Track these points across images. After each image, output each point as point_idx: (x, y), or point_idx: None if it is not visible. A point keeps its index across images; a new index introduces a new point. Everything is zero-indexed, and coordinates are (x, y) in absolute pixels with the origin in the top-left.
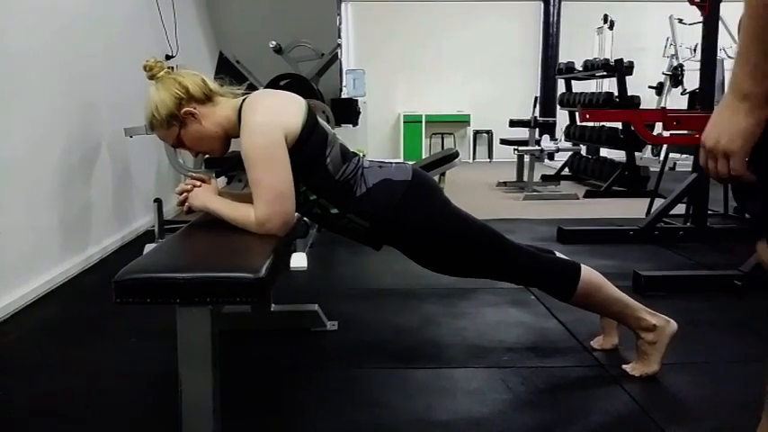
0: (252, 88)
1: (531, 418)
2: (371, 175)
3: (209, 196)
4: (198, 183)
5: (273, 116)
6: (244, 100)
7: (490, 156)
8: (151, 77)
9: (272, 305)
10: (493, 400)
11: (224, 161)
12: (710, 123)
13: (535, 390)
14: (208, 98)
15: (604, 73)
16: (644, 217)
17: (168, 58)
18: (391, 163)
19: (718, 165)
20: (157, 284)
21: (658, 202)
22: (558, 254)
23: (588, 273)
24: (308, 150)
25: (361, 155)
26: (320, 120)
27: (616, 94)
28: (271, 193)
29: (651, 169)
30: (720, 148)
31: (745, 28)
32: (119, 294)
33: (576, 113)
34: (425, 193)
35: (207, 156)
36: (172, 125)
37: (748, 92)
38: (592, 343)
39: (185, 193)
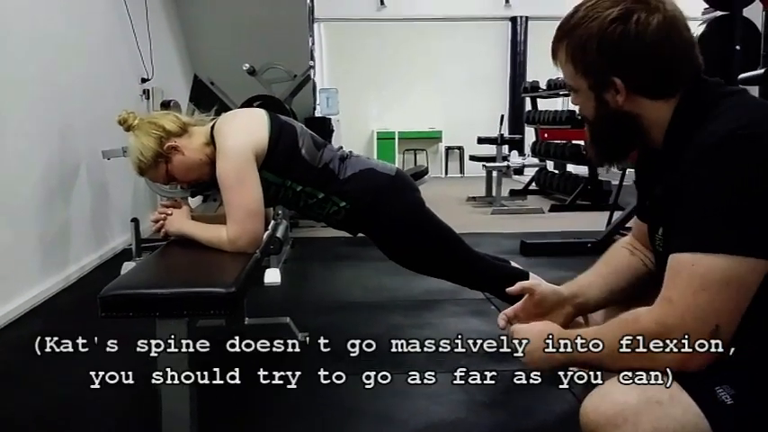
0: (220, 113)
1: (484, 416)
2: (359, 163)
3: (183, 221)
4: (170, 211)
5: (242, 137)
6: (213, 125)
7: (462, 171)
8: (128, 129)
9: (246, 318)
10: (449, 400)
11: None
12: (537, 334)
13: (489, 392)
14: (183, 131)
15: (567, 92)
16: (604, 229)
17: (144, 80)
18: (378, 160)
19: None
20: (139, 299)
21: (618, 215)
22: (512, 263)
23: (534, 279)
24: (283, 149)
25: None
26: (284, 118)
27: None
28: (241, 212)
29: (613, 183)
30: (522, 358)
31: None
32: (104, 309)
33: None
34: (405, 189)
35: None
36: (159, 164)
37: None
38: None
39: (161, 221)
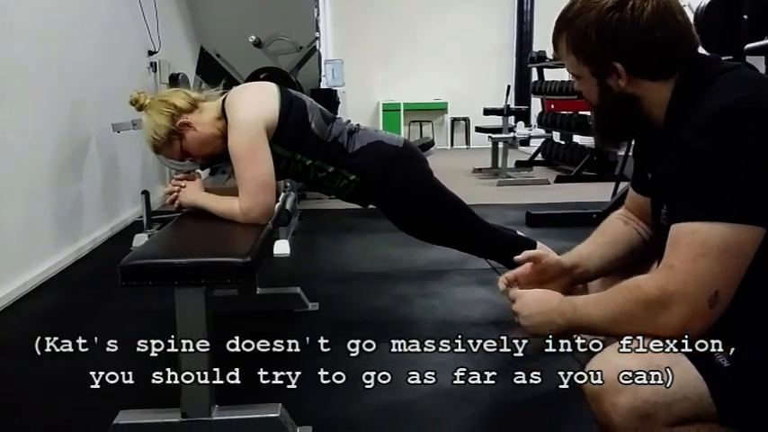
0: (228, 86)
1: (490, 383)
2: (366, 137)
3: (196, 193)
4: (183, 183)
5: (253, 110)
6: (224, 100)
7: (467, 142)
8: (140, 108)
9: (258, 288)
10: (457, 368)
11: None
12: (541, 306)
13: (495, 359)
14: (194, 107)
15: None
16: (609, 200)
17: (151, 53)
18: (385, 132)
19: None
20: (158, 269)
21: (623, 185)
22: (518, 232)
23: (541, 248)
24: (292, 123)
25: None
26: (294, 92)
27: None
28: (253, 184)
29: (619, 154)
30: (519, 321)
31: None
32: (124, 278)
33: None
34: (413, 160)
35: None
36: (173, 140)
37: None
38: None
39: (175, 193)
